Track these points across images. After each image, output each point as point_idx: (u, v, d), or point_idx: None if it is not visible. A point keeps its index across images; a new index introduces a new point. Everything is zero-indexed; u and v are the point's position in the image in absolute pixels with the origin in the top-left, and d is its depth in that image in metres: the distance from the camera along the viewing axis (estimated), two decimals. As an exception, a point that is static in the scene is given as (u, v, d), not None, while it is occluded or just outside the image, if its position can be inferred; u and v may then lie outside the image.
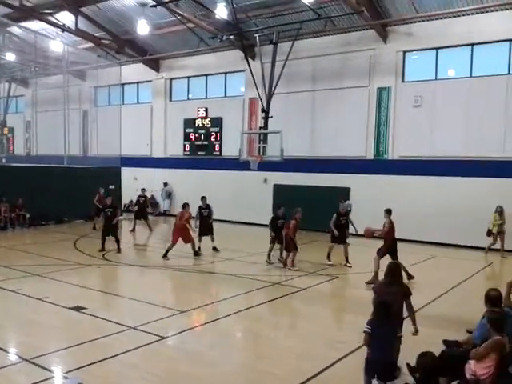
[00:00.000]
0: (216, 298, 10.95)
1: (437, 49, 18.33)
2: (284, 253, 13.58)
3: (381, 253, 11.73)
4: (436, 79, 18.50)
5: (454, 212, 17.51)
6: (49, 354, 6.91)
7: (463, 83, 17.74)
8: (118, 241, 15.16)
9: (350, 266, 13.68)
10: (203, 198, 15.72)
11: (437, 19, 17.89)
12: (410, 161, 18.80)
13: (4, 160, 25.94)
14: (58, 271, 12.15)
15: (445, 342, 6.88)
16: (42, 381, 6.03)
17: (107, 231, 15.07)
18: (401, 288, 6.33)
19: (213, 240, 15.51)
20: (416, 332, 6.31)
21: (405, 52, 19.05)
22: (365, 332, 5.59)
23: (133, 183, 26.53)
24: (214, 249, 15.46)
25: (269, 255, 14.09)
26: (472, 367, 5.41)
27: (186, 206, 14.62)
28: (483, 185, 17.07)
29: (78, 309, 8.97)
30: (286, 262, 13.36)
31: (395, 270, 6.47)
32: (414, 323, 6.34)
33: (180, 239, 14.31)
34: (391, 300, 5.83)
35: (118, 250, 15.03)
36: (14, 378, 6.18)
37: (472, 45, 17.57)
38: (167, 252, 14.18)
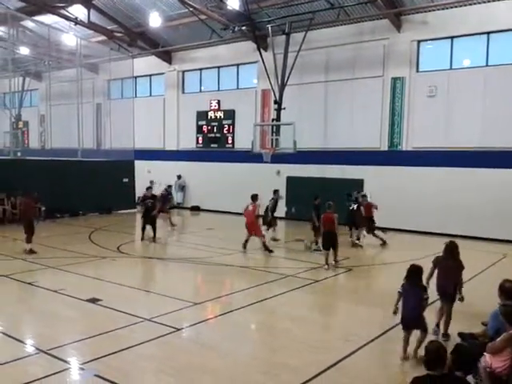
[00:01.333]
0: (230, 290, 10.98)
1: (452, 38, 18.05)
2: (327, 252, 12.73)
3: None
4: (451, 69, 18.24)
5: (470, 204, 17.32)
6: (65, 345, 6.99)
7: (479, 72, 17.47)
8: (155, 231, 16.12)
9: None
10: (276, 192, 16.57)
11: (452, 7, 17.62)
12: (425, 152, 18.61)
13: (19, 153, 26.14)
14: (74, 264, 12.29)
15: (460, 334, 6.83)
16: (58, 372, 6.11)
17: (146, 221, 16.25)
18: (457, 263, 7.60)
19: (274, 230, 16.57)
20: (462, 299, 7.52)
21: (419, 41, 18.80)
22: (398, 292, 6.84)
23: (146, 176, 26.69)
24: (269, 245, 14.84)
25: (315, 243, 14.50)
26: (488, 360, 5.37)
27: (255, 197, 14.62)
28: (500, 176, 16.85)
29: (93, 301, 9.07)
30: (337, 260, 12.78)
31: (453, 247, 7.69)
32: (461, 292, 7.54)
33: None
34: (449, 271, 7.42)
35: (154, 239, 15.93)
36: (31, 369, 6.26)
37: (488, 33, 17.27)
38: (266, 246, 14.32)
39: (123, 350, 6.82)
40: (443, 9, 17.84)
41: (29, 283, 10.37)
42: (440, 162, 18.14)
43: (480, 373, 5.44)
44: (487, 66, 17.46)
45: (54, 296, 9.47)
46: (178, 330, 7.75)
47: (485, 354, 5.45)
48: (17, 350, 6.82)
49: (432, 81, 18.39)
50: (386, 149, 19.64)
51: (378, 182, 19.22)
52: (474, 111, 17.51)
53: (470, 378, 5.48)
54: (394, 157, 19.37)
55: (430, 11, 18.13)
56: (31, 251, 13.33)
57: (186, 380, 6.03)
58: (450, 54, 18.23)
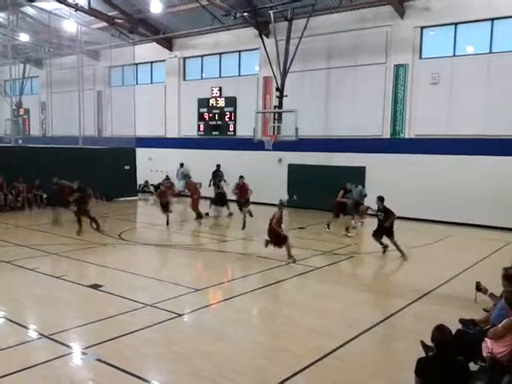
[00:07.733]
0: (232, 277, 11.01)
1: (455, 24, 17.87)
2: None
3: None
4: (454, 55, 18.08)
5: (472, 191, 17.27)
6: (67, 330, 7.02)
7: (483, 59, 17.32)
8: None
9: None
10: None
11: (456, -7, 17.44)
12: (427, 139, 18.53)
13: (20, 141, 26.09)
14: (75, 250, 12.31)
15: (461, 320, 6.83)
16: (60, 356, 6.14)
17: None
18: None
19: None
20: None
21: (422, 28, 18.62)
22: None
23: (147, 164, 26.66)
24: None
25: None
26: (489, 345, 5.37)
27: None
28: (503, 164, 16.77)
29: (95, 286, 9.09)
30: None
31: None
32: None
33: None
34: None
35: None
36: (33, 353, 6.29)
37: (492, 20, 17.09)
38: None
39: (125, 335, 6.84)
40: (447, -5, 17.65)
41: (31, 269, 10.39)
42: (442, 149, 18.06)
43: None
44: (491, 53, 17.29)
45: (56, 282, 9.50)
46: (180, 315, 7.78)
47: (486, 339, 5.46)
48: (20, 335, 6.85)
49: (435, 68, 18.25)
50: (389, 136, 19.55)
51: (379, 170, 19.17)
52: (477, 98, 17.38)
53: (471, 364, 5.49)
54: (396, 144, 19.30)
55: (433, -3, 17.95)
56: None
57: (187, 365, 6.04)
58: (453, 40, 18.05)
